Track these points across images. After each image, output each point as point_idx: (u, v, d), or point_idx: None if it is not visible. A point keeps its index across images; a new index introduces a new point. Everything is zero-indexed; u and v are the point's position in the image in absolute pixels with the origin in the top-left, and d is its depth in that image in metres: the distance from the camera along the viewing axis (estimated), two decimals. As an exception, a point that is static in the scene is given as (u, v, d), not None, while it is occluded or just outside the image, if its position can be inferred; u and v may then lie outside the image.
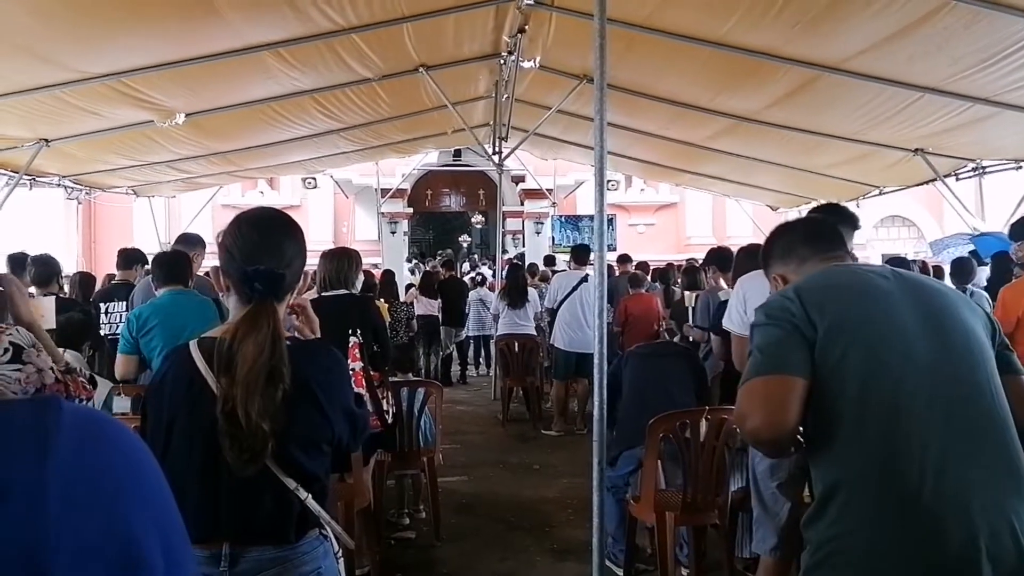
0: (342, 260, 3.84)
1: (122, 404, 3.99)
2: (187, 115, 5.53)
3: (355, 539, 3.49)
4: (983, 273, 6.50)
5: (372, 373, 3.43)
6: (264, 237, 1.59)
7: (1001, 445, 1.43)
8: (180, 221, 12.62)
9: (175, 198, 11.56)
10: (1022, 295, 4.05)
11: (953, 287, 2.68)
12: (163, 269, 3.91)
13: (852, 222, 2.85)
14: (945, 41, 3.99)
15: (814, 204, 9.97)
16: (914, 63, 4.43)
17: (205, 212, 11.72)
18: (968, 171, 6.63)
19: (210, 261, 6.80)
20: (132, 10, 3.90)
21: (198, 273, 4.46)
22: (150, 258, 4.89)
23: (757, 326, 1.57)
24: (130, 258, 5.41)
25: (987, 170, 6.54)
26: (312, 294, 3.51)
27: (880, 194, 8.28)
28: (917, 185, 7.42)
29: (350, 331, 3.36)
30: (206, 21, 4.13)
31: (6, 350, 1.83)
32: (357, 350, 3.34)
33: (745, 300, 3.12)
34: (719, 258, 4.94)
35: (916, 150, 6.12)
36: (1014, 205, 6.43)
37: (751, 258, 4.05)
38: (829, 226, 1.92)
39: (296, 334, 1.75)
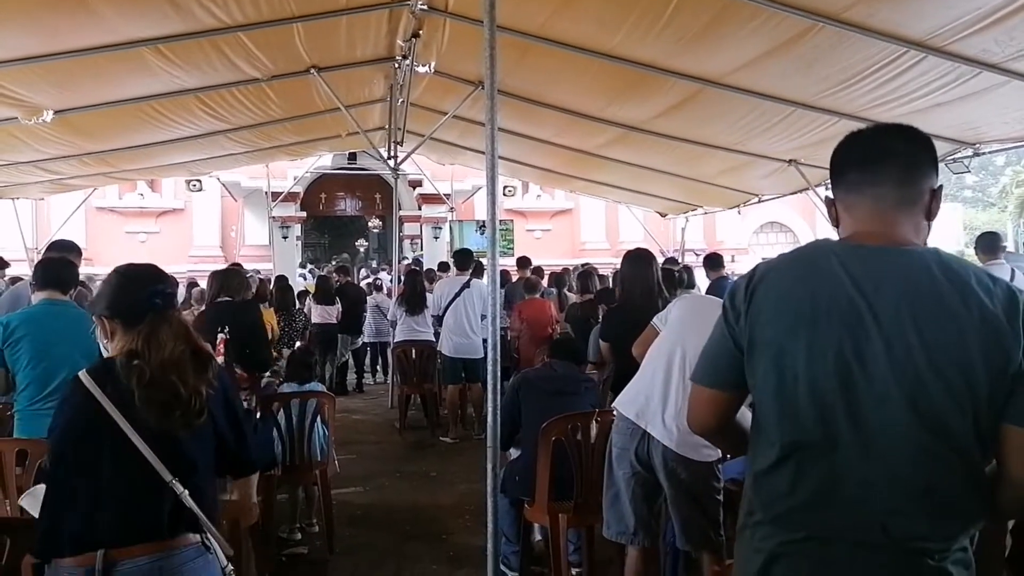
0: (228, 275, 4.40)
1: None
2: (56, 112, 5.16)
3: (244, 559, 3.37)
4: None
5: (239, 373, 3.71)
6: (148, 272, 2.02)
7: None
8: (50, 225, 11.80)
9: (43, 200, 10.76)
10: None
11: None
12: (42, 271, 3.62)
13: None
14: (815, 60, 4.26)
15: (701, 211, 10.48)
16: (787, 79, 4.72)
17: (78, 215, 11.02)
18: (836, 181, 7.10)
19: (86, 269, 6.35)
20: (-10, -1, 3.61)
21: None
22: (27, 266, 4.61)
23: None
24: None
25: (853, 181, 7.02)
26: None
27: (759, 202, 8.75)
28: (792, 194, 7.90)
29: (219, 329, 3.71)
30: (76, 14, 3.87)
31: None
32: (222, 346, 3.68)
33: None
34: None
35: (790, 161, 6.51)
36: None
37: (639, 263, 4.21)
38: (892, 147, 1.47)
39: None
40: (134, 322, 1.86)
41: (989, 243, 5.70)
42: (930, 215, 1.47)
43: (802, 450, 1.40)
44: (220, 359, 3.62)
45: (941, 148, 5.46)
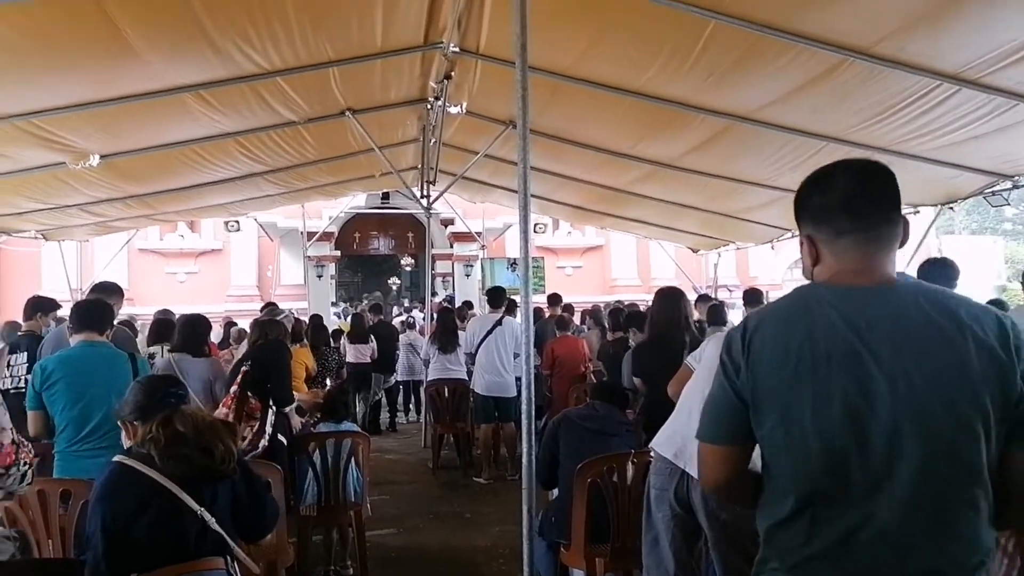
0: (268, 325, 4.73)
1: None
2: (102, 157, 5.34)
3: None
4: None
5: (252, 403, 4.01)
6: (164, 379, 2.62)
7: None
8: (94, 266, 12.11)
9: (88, 242, 11.08)
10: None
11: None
12: (78, 314, 3.68)
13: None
14: (846, 95, 4.24)
15: (733, 247, 10.41)
16: (818, 114, 4.70)
17: (121, 256, 11.29)
18: (872, 215, 7.00)
19: (127, 310, 6.49)
20: (46, 50, 3.76)
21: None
22: (67, 306, 4.79)
23: None
24: (35, 307, 5.14)
25: (888, 214, 6.91)
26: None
27: (792, 237, 8.66)
28: (827, 228, 7.78)
29: (243, 365, 4.19)
30: (124, 62, 4.02)
31: None
32: (241, 377, 4.09)
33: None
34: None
35: (824, 195, 6.43)
36: (914, 247, 6.82)
37: (668, 300, 4.22)
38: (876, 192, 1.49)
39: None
40: (150, 418, 2.25)
41: None
42: (902, 245, 1.51)
43: (817, 500, 1.39)
44: (235, 388, 4.01)
45: (979, 181, 5.37)
